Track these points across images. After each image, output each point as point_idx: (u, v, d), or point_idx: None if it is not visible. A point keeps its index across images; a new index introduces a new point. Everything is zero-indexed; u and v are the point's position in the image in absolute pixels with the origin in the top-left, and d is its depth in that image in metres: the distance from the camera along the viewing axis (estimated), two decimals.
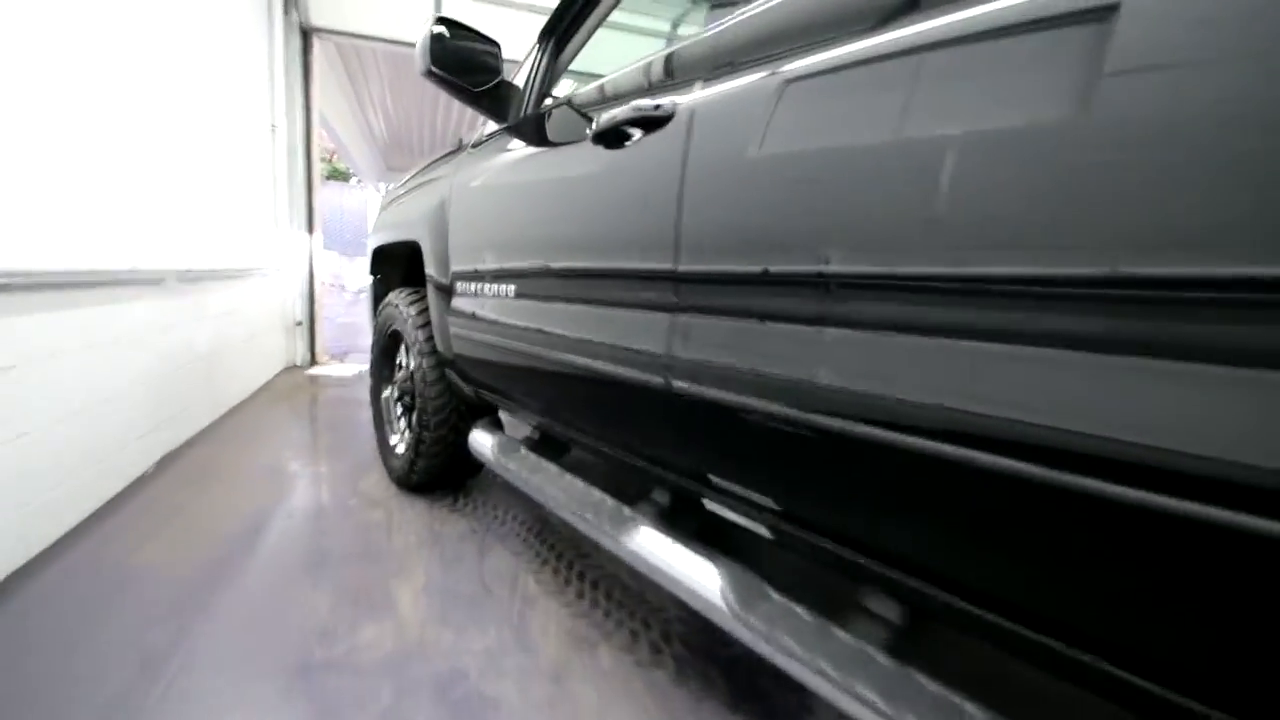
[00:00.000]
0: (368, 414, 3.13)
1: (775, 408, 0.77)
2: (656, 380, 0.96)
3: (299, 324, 4.60)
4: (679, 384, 0.92)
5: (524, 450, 1.53)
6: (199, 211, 2.84)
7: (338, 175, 20.07)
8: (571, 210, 1.20)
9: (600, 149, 1.12)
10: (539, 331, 1.28)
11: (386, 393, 2.29)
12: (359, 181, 18.22)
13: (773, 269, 0.76)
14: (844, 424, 0.69)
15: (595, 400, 1.18)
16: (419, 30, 1.47)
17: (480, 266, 1.59)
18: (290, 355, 4.57)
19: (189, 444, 2.60)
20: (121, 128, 2.12)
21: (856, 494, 0.73)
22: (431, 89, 7.00)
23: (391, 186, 2.61)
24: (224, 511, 1.94)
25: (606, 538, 1.11)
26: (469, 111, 6.87)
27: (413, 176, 2.32)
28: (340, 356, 5.18)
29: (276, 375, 4.19)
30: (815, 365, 0.71)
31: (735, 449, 0.88)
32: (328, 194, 17.89)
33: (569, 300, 1.20)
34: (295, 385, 3.97)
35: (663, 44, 1.32)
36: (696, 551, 0.97)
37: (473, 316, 1.63)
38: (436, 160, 2.16)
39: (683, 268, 0.90)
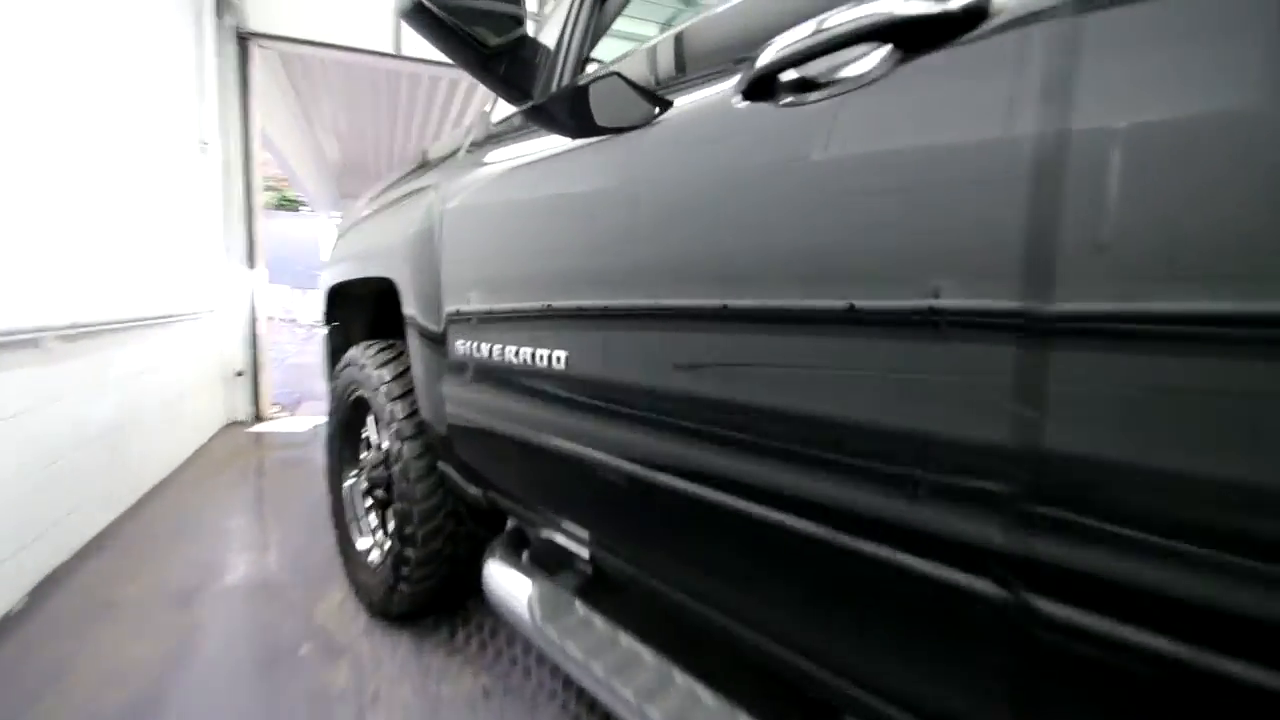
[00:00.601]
0: (325, 486, 2.51)
1: None
2: (969, 578, 0.45)
3: (240, 374, 3.93)
4: (1034, 596, 0.41)
5: (581, 607, 0.96)
6: (100, 248, 2.21)
7: (288, 205, 19.20)
8: (723, 215, 0.67)
9: (760, 109, 0.60)
10: (657, 427, 0.73)
11: (350, 481, 1.69)
12: (311, 210, 17.38)
13: None
14: None
15: (785, 577, 0.64)
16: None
17: (496, 307, 1.07)
18: (231, 411, 3.88)
19: (81, 556, 1.94)
20: None
21: None
22: (388, 105, 6.42)
23: (350, 209, 2.05)
24: (110, 681, 1.31)
25: None
26: (431, 125, 6.30)
27: (380, 194, 1.76)
28: (291, 407, 4.51)
29: (213, 438, 3.51)
30: None
31: None
32: (278, 224, 16.98)
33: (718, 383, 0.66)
34: (235, 450, 3.30)
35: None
36: None
37: (484, 381, 1.10)
38: (411, 172, 1.62)
39: (1076, 306, 0.39)
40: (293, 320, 12.71)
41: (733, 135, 0.63)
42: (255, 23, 4.00)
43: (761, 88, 0.60)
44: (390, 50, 4.20)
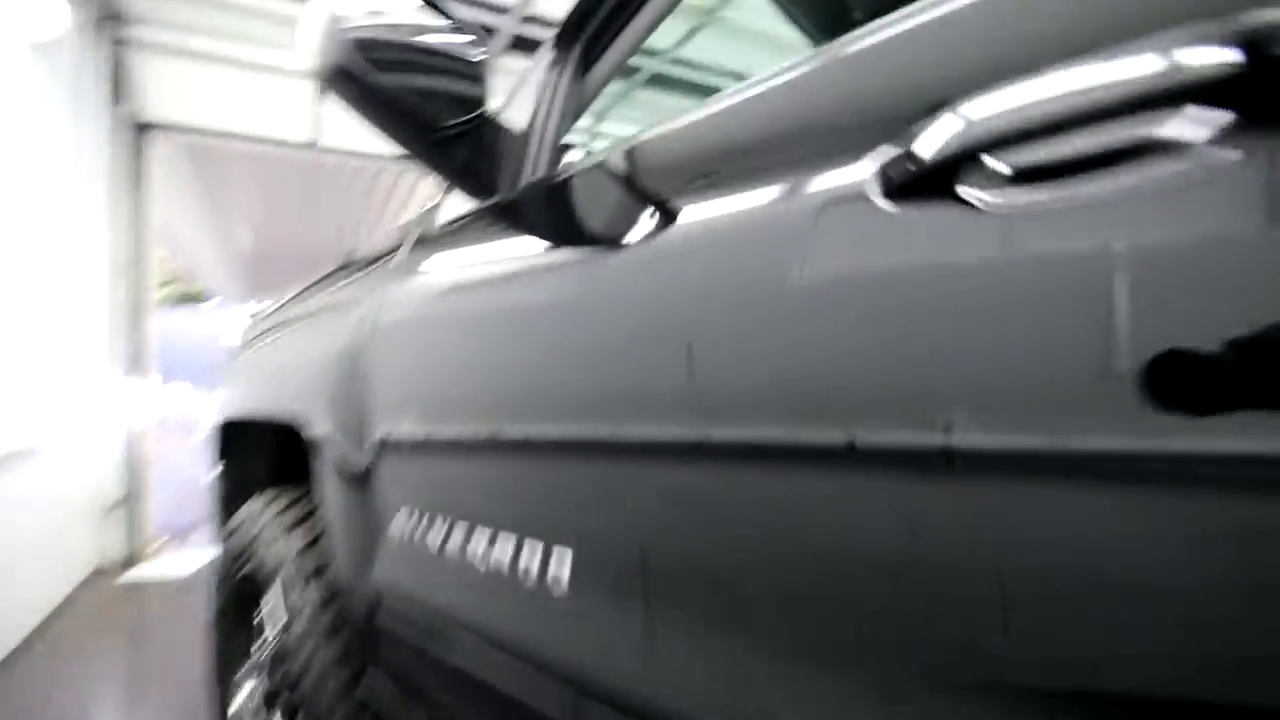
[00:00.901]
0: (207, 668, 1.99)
1: None
2: None
3: (119, 503, 3.32)
4: None
5: None
6: None
7: (191, 299, 18.12)
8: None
9: (923, 212, 0.36)
10: None
11: (238, 700, 1.26)
12: (220, 302, 16.38)
13: None
14: None
15: None
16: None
17: (452, 452, 0.80)
18: (102, 553, 3.23)
19: None
20: None
21: None
22: (307, 195, 6.12)
23: (250, 321, 1.71)
24: None
25: None
26: (355, 215, 5.97)
27: (284, 305, 1.46)
28: (182, 535, 3.86)
29: (77, 590, 2.86)
30: None
31: None
32: (178, 320, 15.83)
33: None
34: (102, 606, 2.69)
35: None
36: None
37: (433, 564, 0.79)
38: (328, 278, 1.33)
39: None
40: (190, 428, 11.59)
41: (873, 245, 0.39)
42: (154, 111, 3.67)
43: (931, 180, 0.37)
44: (307, 140, 3.94)
